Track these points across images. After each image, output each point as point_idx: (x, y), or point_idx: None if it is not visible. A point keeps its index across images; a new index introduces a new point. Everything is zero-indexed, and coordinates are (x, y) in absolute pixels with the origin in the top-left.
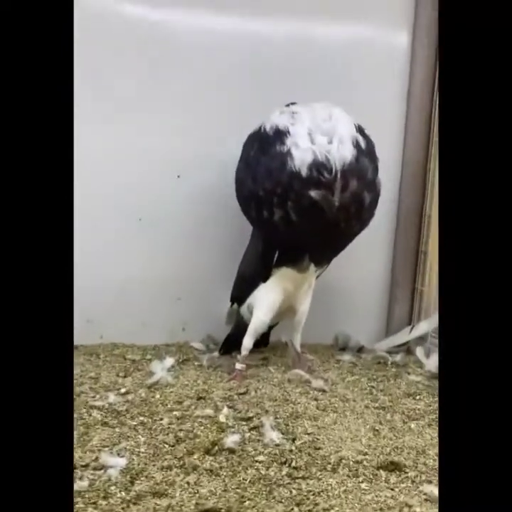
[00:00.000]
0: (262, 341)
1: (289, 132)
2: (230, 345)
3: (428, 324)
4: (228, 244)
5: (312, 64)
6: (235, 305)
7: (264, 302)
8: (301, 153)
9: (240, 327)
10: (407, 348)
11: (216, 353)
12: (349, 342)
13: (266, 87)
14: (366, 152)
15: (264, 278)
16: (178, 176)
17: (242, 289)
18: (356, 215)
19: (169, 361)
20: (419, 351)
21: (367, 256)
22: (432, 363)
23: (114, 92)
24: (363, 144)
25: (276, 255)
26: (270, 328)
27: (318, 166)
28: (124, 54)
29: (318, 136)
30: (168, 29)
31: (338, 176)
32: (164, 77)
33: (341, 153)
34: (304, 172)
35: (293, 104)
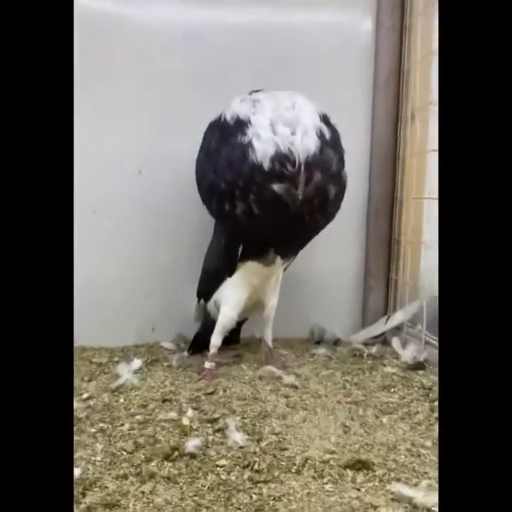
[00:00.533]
0: (233, 338)
1: (250, 122)
2: (199, 344)
3: (403, 314)
4: (195, 240)
5: (276, 52)
6: (203, 301)
7: (230, 298)
8: (262, 145)
9: (207, 325)
10: (383, 339)
11: (186, 353)
12: (324, 335)
13: (230, 77)
14: (331, 143)
15: (230, 273)
16: (140, 172)
17: (208, 285)
18: (321, 208)
19: (136, 363)
20: (395, 342)
21: (339, 247)
22: (408, 354)
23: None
24: (327, 134)
25: (240, 249)
26: (240, 324)
27: (281, 159)
28: (80, 48)
29: (280, 127)
30: (126, 21)
31: (302, 168)
32: (123, 71)
33: (305, 144)
34: (266, 165)
35: (258, 91)
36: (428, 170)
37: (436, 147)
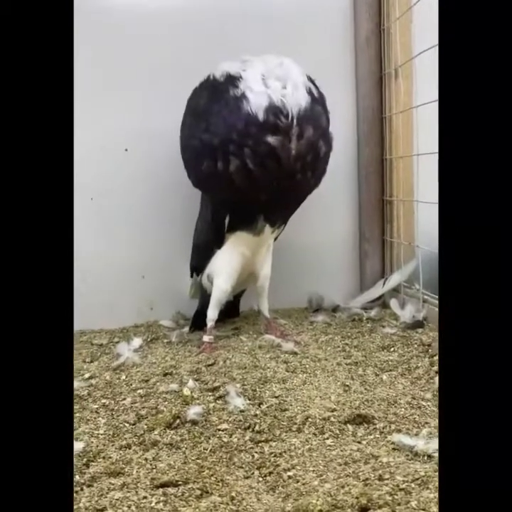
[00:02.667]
0: (233, 312)
1: (241, 77)
2: (200, 321)
3: (400, 275)
4: (188, 217)
5: (255, 16)
6: (197, 277)
7: (222, 270)
8: (256, 97)
9: (205, 301)
10: (382, 302)
11: (185, 329)
12: (323, 303)
13: (212, 53)
14: (319, 101)
15: (218, 244)
16: (126, 150)
17: (199, 260)
18: (312, 165)
19: (137, 342)
20: (394, 303)
21: (332, 213)
22: (407, 314)
23: None
24: (315, 92)
25: (227, 219)
26: (237, 297)
27: (275, 110)
28: None
29: (271, 81)
30: (113, 3)
31: (295, 121)
32: (108, 50)
33: (296, 98)
34: (261, 116)
35: None
36: (415, 127)
37: (421, 102)
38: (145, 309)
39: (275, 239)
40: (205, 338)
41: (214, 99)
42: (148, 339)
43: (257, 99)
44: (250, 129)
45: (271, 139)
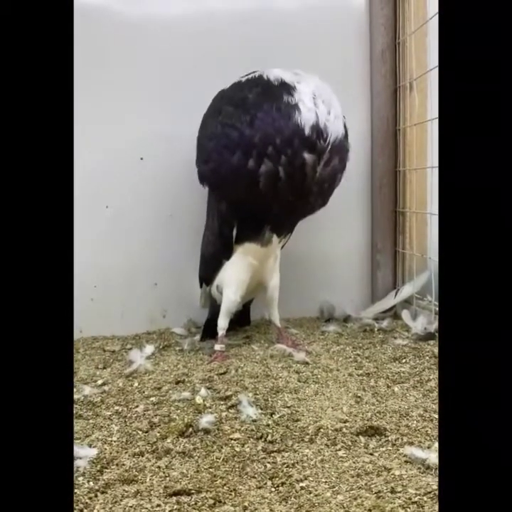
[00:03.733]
0: (244, 320)
1: (296, 87)
2: (210, 330)
3: (412, 287)
4: (200, 225)
5: (270, 31)
6: (207, 287)
7: (231, 281)
8: (307, 112)
9: (215, 310)
10: (393, 313)
11: (197, 337)
12: (334, 312)
13: (227, 63)
14: (347, 136)
15: (226, 256)
16: (142, 159)
17: (207, 270)
18: (324, 193)
19: (149, 349)
20: (406, 314)
21: (345, 224)
22: (419, 325)
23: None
24: (346, 128)
25: (234, 231)
26: (247, 306)
27: (318, 131)
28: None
29: (320, 102)
30: (124, 11)
31: (329, 148)
32: (123, 59)
33: (335, 127)
34: (306, 131)
35: (254, 72)
36: (429, 140)
37: (435, 116)
38: (157, 316)
39: (282, 247)
40: (217, 346)
41: (266, 98)
42: (161, 346)
43: (307, 114)
44: (294, 139)
45: (307, 155)
